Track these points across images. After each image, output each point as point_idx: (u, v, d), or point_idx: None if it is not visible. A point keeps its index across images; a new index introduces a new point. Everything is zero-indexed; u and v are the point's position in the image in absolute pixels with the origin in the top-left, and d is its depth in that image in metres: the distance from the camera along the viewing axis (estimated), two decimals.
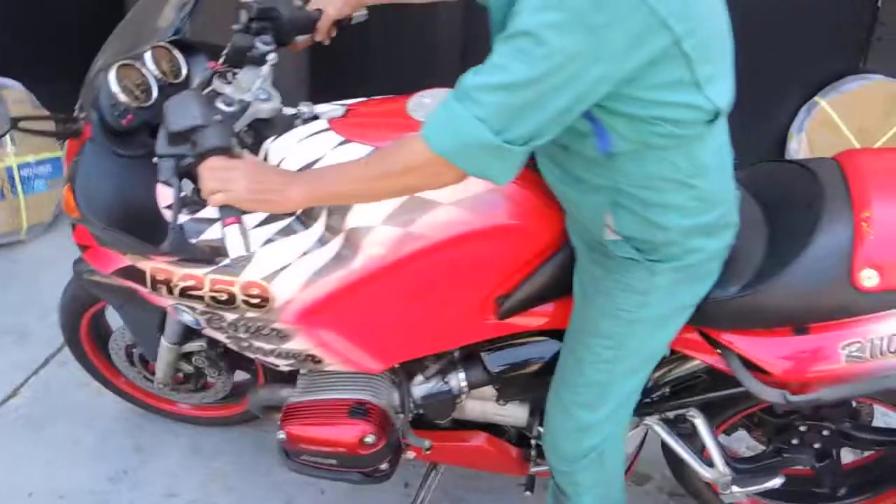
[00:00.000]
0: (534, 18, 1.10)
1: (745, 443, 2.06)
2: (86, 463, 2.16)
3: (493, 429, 1.85)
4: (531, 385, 1.70)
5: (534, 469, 1.83)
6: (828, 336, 1.46)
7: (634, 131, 1.24)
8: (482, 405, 1.80)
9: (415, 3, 1.83)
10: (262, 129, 1.61)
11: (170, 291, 1.61)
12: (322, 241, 1.54)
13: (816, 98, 3.03)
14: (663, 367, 1.69)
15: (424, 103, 1.56)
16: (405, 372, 1.74)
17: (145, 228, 1.57)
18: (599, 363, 1.50)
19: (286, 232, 1.55)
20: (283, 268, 1.54)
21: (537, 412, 1.76)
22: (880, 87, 3.01)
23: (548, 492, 1.73)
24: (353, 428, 1.65)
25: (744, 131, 2.98)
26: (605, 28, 1.09)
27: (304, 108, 1.63)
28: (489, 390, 1.76)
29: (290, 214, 1.56)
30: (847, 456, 1.94)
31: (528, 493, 1.84)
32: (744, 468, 1.76)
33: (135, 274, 1.64)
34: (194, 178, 1.41)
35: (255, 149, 1.60)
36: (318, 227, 1.54)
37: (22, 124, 1.60)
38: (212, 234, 1.55)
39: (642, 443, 1.89)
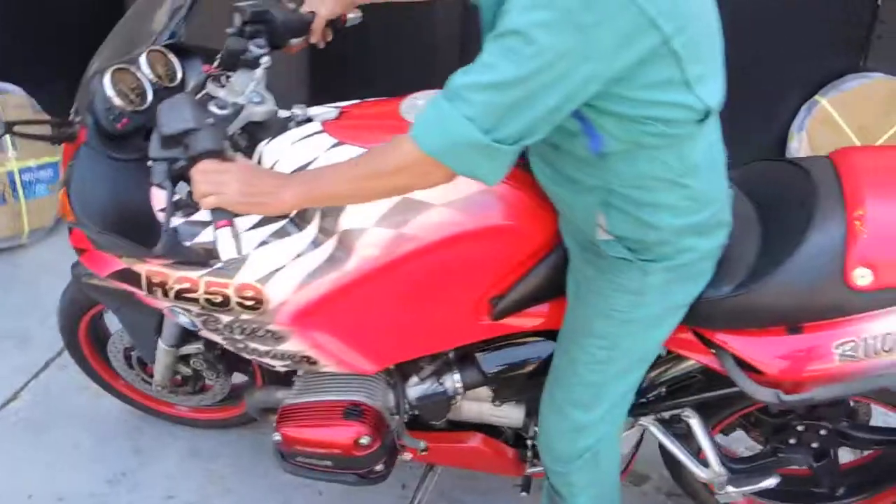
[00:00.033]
0: (523, 17, 1.11)
1: (744, 443, 2.05)
2: (85, 465, 2.17)
3: (489, 430, 1.85)
4: (526, 386, 1.70)
5: (530, 470, 1.84)
6: (821, 335, 1.46)
7: (625, 131, 1.24)
8: (478, 406, 1.80)
9: (406, 1, 1.83)
10: (256, 132, 1.61)
11: (165, 294, 1.62)
12: (316, 243, 1.54)
13: (817, 97, 3.02)
14: (658, 367, 1.69)
15: (418, 105, 1.56)
16: (400, 373, 1.74)
17: (140, 232, 1.57)
18: (593, 363, 1.50)
19: (280, 234, 1.56)
20: (276, 270, 1.54)
21: (533, 413, 1.75)
22: (881, 85, 3.00)
23: (543, 492, 1.73)
24: (348, 429, 1.66)
25: (745, 130, 3.00)
26: (595, 27, 1.09)
27: (298, 110, 1.63)
28: (485, 391, 1.76)
29: (285, 217, 1.57)
30: (846, 456, 1.94)
31: (524, 493, 1.84)
32: (739, 468, 1.76)
33: (131, 277, 1.65)
34: (189, 181, 1.41)
35: (249, 151, 1.61)
36: (312, 230, 1.55)
37: (17, 128, 1.61)
38: (206, 236, 1.55)
39: (639, 443, 1.89)
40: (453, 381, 1.70)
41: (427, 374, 1.72)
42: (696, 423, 1.69)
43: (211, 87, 1.59)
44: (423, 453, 1.82)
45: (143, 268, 1.62)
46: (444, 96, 1.19)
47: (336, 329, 1.60)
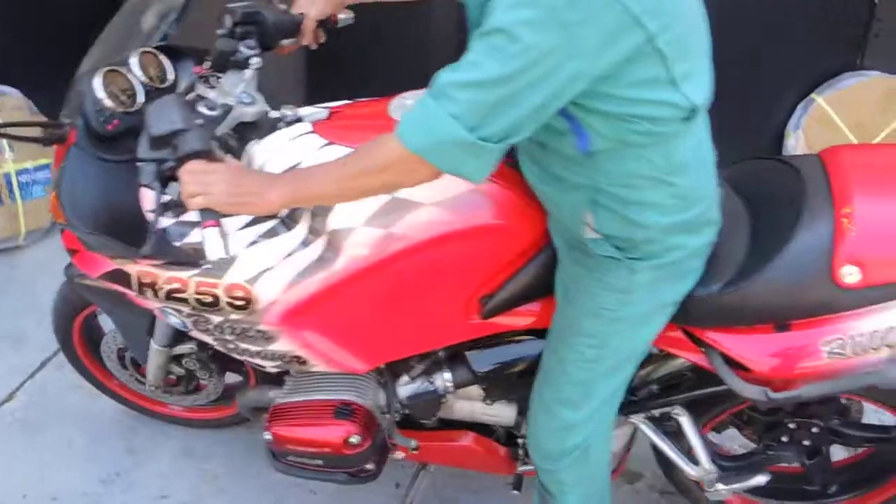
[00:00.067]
0: (507, 15, 1.11)
1: (739, 441, 2.05)
2: (79, 465, 2.17)
3: (481, 428, 1.86)
4: (517, 384, 1.70)
5: (521, 468, 1.84)
6: (809, 333, 1.46)
7: (612, 129, 1.24)
8: (470, 405, 1.80)
9: (396, 1, 1.83)
10: (246, 133, 1.62)
11: (155, 295, 1.62)
12: (305, 244, 1.55)
13: (813, 95, 3.02)
14: (648, 365, 1.69)
15: (406, 104, 1.57)
16: (391, 372, 1.75)
17: (130, 232, 1.58)
18: (582, 362, 1.50)
19: (270, 234, 1.56)
20: (266, 270, 1.55)
21: (525, 412, 1.75)
22: (877, 83, 2.99)
23: (535, 491, 1.73)
24: (338, 428, 1.66)
25: (741, 129, 3.00)
26: (579, 25, 1.09)
27: (288, 111, 1.64)
28: (476, 390, 1.76)
29: (275, 217, 1.57)
30: (839, 454, 1.94)
31: (515, 492, 1.85)
32: (729, 466, 1.76)
33: (121, 277, 1.65)
34: (177, 182, 1.42)
35: (239, 152, 1.61)
36: (302, 230, 1.55)
37: (7, 131, 1.61)
38: (195, 237, 1.56)
39: (632, 441, 1.89)
40: (444, 380, 1.70)
41: (417, 373, 1.72)
42: (685, 421, 1.69)
43: (201, 88, 1.60)
44: (415, 452, 1.83)
45: (134, 268, 1.62)
46: (429, 94, 1.20)
47: (326, 329, 1.60)
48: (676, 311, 1.49)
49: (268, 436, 1.72)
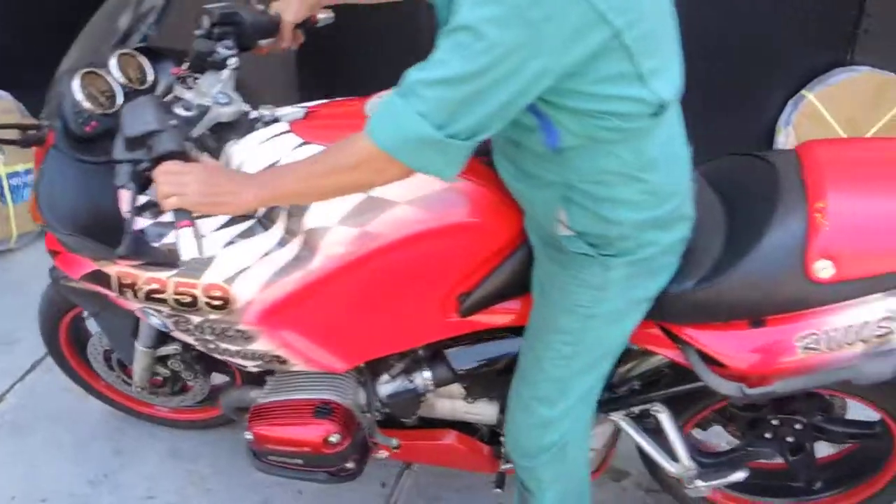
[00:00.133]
0: (473, 13, 1.11)
1: (725, 438, 2.05)
2: (67, 466, 2.18)
3: (464, 427, 1.86)
4: (497, 382, 1.70)
5: (504, 466, 1.84)
6: (784, 328, 1.46)
7: (581, 126, 1.25)
8: (451, 403, 1.81)
9: (375, 3, 1.84)
10: (224, 133, 1.62)
11: (135, 295, 1.63)
12: (282, 243, 1.55)
13: (804, 91, 3.02)
14: (627, 362, 1.69)
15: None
16: (371, 371, 1.75)
17: (110, 233, 1.58)
18: (558, 359, 1.50)
19: (247, 234, 1.57)
20: (243, 270, 1.55)
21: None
22: (867, 79, 2.99)
23: (514, 489, 1.73)
24: (318, 427, 1.67)
25: (732, 125, 3.00)
26: (544, 22, 1.10)
27: (266, 111, 1.64)
28: (458, 388, 1.76)
29: (252, 217, 1.58)
30: (825, 450, 1.93)
31: (497, 489, 1.85)
32: (709, 462, 1.76)
33: (102, 278, 1.66)
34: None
35: (217, 152, 1.62)
36: (278, 229, 1.56)
37: None
38: (173, 237, 1.56)
39: (615, 439, 1.89)
40: (424, 378, 1.71)
41: (397, 371, 1.73)
42: (664, 418, 1.69)
43: (178, 89, 1.61)
44: (396, 451, 1.83)
45: (114, 269, 1.63)
46: (398, 93, 1.20)
47: (304, 328, 1.61)
48: (652, 307, 1.49)
49: (248, 435, 1.73)
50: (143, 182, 1.43)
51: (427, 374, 1.70)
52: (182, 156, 1.41)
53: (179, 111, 1.54)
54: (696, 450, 1.85)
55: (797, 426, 1.78)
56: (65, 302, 2.01)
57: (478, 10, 1.11)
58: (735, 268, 1.44)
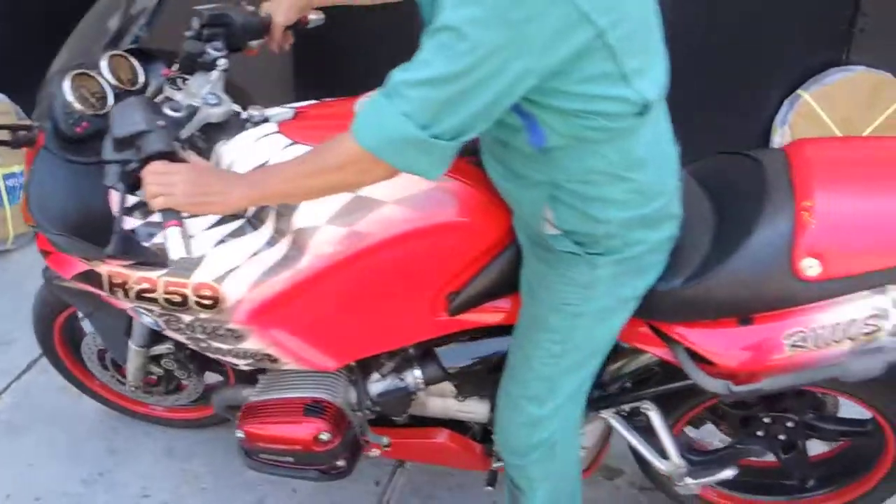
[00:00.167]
0: (455, 14, 1.11)
1: (719, 436, 2.05)
2: (62, 466, 2.19)
3: (456, 425, 1.86)
4: (488, 381, 1.70)
5: (495, 464, 1.85)
6: (772, 326, 1.46)
7: (566, 125, 1.25)
8: (443, 402, 1.81)
9: (364, 4, 1.84)
10: (214, 134, 1.63)
11: (126, 295, 1.64)
12: (271, 243, 1.56)
13: (799, 91, 3.02)
14: (617, 360, 1.70)
15: None
16: (362, 370, 1.75)
17: (101, 234, 1.59)
18: (547, 357, 1.50)
19: (237, 234, 1.58)
20: (233, 269, 1.56)
21: None
22: (863, 78, 2.99)
23: (505, 487, 1.73)
24: (308, 426, 1.67)
25: (728, 125, 3.00)
26: (525, 23, 1.10)
27: (255, 111, 1.65)
28: (449, 387, 1.77)
29: (242, 217, 1.59)
30: (819, 448, 1.93)
31: (489, 487, 1.85)
32: (699, 460, 1.76)
33: (93, 278, 1.67)
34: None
35: (208, 153, 1.63)
36: (268, 229, 1.57)
37: None
38: (163, 237, 1.56)
39: (608, 437, 1.90)
40: (414, 376, 1.71)
41: (388, 370, 1.73)
42: (654, 416, 1.69)
43: (168, 90, 1.62)
44: (387, 449, 1.83)
45: (105, 269, 1.64)
46: (382, 93, 1.21)
47: (294, 326, 1.61)
48: (641, 305, 1.50)
49: (240, 434, 1.74)
50: (132, 182, 1.44)
51: (417, 372, 1.71)
52: (170, 156, 1.42)
53: (168, 112, 1.55)
54: (689, 448, 1.86)
55: (789, 424, 1.78)
56: (58, 302, 2.02)
57: (460, 10, 1.11)
58: (723, 266, 1.44)
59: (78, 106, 1.60)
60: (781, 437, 1.80)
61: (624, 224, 1.37)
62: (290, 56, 3.22)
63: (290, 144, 1.54)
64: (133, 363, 1.97)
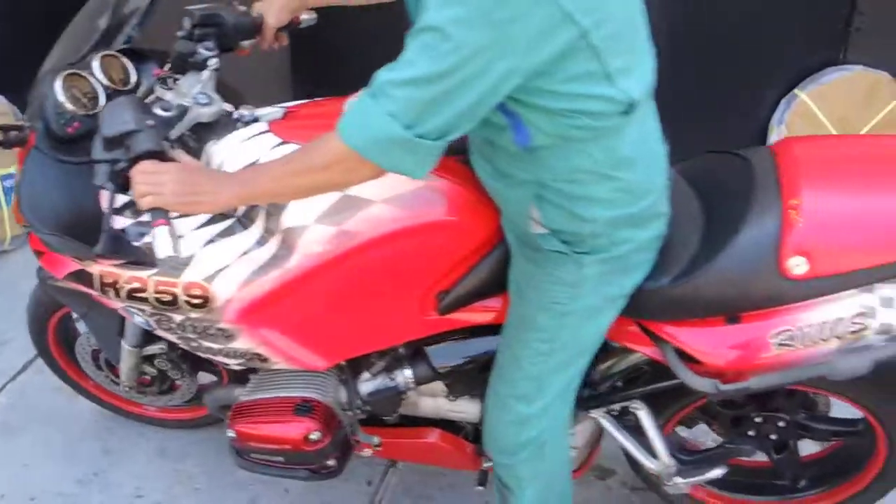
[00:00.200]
0: (439, 14, 1.12)
1: (712, 436, 2.05)
2: (57, 465, 2.20)
3: (448, 425, 1.86)
4: (478, 380, 1.70)
5: (486, 464, 1.84)
6: (759, 325, 1.46)
7: (551, 124, 1.25)
8: (434, 401, 1.81)
9: (357, 4, 1.85)
10: (204, 133, 1.64)
11: (117, 294, 1.65)
12: (261, 242, 1.56)
13: (796, 90, 3.02)
14: (607, 359, 1.70)
15: None
16: (352, 369, 1.76)
17: (92, 233, 1.60)
18: (535, 356, 1.51)
19: (227, 233, 1.58)
20: (222, 268, 1.57)
21: None
22: (860, 77, 2.99)
23: (494, 486, 1.73)
24: (298, 425, 1.68)
25: (725, 124, 3.00)
26: (509, 23, 1.10)
27: (245, 111, 1.66)
28: (440, 386, 1.77)
29: (232, 216, 1.59)
30: (812, 448, 1.93)
31: (479, 487, 1.85)
32: (688, 459, 1.76)
33: (85, 277, 1.68)
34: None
35: (199, 152, 1.63)
36: (257, 228, 1.57)
37: None
38: (152, 236, 1.57)
39: (599, 437, 1.90)
40: (404, 376, 1.71)
41: (378, 369, 1.73)
42: (643, 415, 1.69)
43: (159, 90, 1.62)
44: (378, 449, 1.84)
45: (96, 268, 1.65)
46: (368, 93, 1.21)
47: (284, 326, 1.62)
48: (629, 304, 1.50)
49: (231, 433, 1.74)
50: (122, 182, 1.45)
51: (408, 372, 1.71)
52: (159, 155, 1.43)
53: (158, 111, 1.56)
54: (681, 447, 1.86)
55: (780, 424, 1.78)
56: (52, 302, 2.02)
57: (444, 10, 1.11)
58: (710, 264, 1.44)
59: (69, 106, 1.61)
60: (773, 436, 1.80)
61: (610, 223, 1.38)
62: (287, 56, 3.24)
63: (280, 144, 1.55)
64: (126, 363, 1.97)
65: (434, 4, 1.13)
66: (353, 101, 1.56)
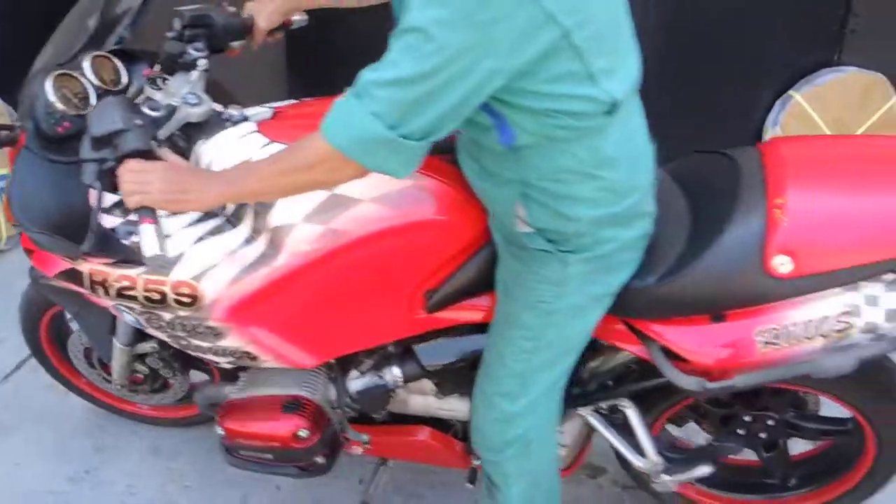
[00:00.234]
0: (422, 14, 1.12)
1: (702, 435, 2.05)
2: (48, 464, 2.21)
3: (438, 423, 1.87)
4: (467, 379, 1.71)
5: (476, 462, 1.85)
6: (743, 323, 1.46)
7: (535, 124, 1.26)
8: (423, 399, 1.82)
9: (348, 6, 1.85)
10: (193, 133, 1.65)
11: (107, 292, 1.65)
12: (249, 241, 1.57)
13: (791, 92, 3.03)
14: (595, 358, 1.70)
15: None
16: (341, 367, 1.76)
17: (82, 232, 1.61)
18: (519, 354, 1.51)
19: (215, 232, 1.59)
20: (211, 267, 1.57)
21: None
22: (855, 79, 3.00)
23: (482, 484, 1.74)
24: (287, 423, 1.69)
25: (720, 126, 3.00)
26: (492, 24, 1.11)
27: (234, 111, 1.66)
28: (429, 385, 1.78)
29: (220, 215, 1.60)
30: (803, 447, 1.93)
31: (469, 485, 1.86)
32: (676, 457, 1.76)
33: (75, 276, 1.68)
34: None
35: (188, 152, 1.64)
36: (246, 227, 1.58)
37: None
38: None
39: (589, 436, 1.90)
40: (393, 374, 1.72)
41: (367, 367, 1.74)
42: (631, 413, 1.70)
43: (148, 90, 1.63)
44: (368, 447, 1.84)
45: (86, 267, 1.65)
46: (352, 93, 1.22)
47: (272, 324, 1.62)
48: (616, 302, 1.50)
49: (220, 431, 1.75)
50: (110, 181, 1.46)
51: (396, 370, 1.72)
52: (147, 154, 1.44)
53: (147, 111, 1.56)
54: (671, 446, 1.86)
55: (770, 422, 1.78)
56: (45, 300, 2.03)
57: (426, 11, 1.12)
58: (695, 263, 1.45)
59: (60, 106, 1.61)
60: (762, 435, 1.80)
61: (594, 222, 1.38)
62: (282, 56, 3.25)
63: (269, 143, 1.55)
64: (118, 361, 1.98)
65: (417, 5, 1.13)
66: (338, 101, 1.59)
